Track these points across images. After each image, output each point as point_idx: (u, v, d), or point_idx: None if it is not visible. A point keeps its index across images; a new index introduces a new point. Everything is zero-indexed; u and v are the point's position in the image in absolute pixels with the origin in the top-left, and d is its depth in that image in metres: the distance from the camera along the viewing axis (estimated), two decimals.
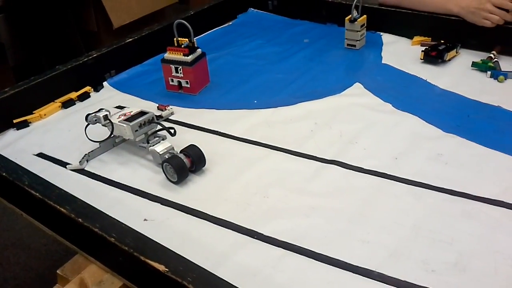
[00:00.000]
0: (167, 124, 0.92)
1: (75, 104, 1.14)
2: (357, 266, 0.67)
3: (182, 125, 1.02)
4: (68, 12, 2.14)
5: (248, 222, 0.75)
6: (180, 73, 1.11)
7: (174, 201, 0.81)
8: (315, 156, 0.89)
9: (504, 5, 1.12)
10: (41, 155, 0.96)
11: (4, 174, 0.80)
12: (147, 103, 1.11)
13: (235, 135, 0.97)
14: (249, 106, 1.07)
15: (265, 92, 1.12)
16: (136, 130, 0.88)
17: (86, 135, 0.91)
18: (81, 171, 0.90)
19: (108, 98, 1.15)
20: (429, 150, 0.88)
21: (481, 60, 1.13)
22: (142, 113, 0.90)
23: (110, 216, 0.69)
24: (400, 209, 0.76)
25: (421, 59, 1.18)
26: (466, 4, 1.16)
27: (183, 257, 0.61)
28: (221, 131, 0.99)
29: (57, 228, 0.79)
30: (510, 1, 1.12)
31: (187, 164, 0.84)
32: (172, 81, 1.14)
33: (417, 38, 1.28)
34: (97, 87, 1.19)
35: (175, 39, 1.10)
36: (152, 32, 1.31)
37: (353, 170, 0.85)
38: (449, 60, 1.18)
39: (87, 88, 1.17)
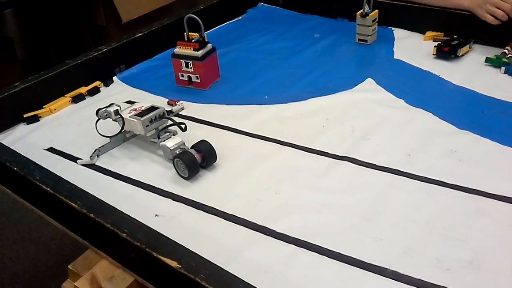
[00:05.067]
0: (177, 119, 0.92)
1: (85, 99, 1.14)
2: (370, 264, 0.66)
3: (193, 121, 1.01)
4: (77, 6, 2.14)
5: (260, 218, 0.75)
6: (190, 68, 1.11)
7: (185, 196, 0.81)
8: (327, 152, 0.88)
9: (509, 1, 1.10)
10: (51, 150, 0.96)
11: (15, 168, 0.80)
12: (157, 98, 1.11)
13: (246, 131, 0.97)
14: (259, 101, 1.06)
15: (276, 87, 1.12)
16: (147, 125, 0.87)
17: (97, 130, 0.91)
18: (92, 166, 0.90)
19: (118, 93, 1.15)
20: (442, 147, 0.87)
21: (495, 55, 1.12)
22: (153, 108, 0.90)
23: (122, 212, 0.69)
24: (413, 206, 0.75)
25: (433, 54, 1.17)
26: None
27: (195, 253, 0.61)
28: (232, 127, 0.98)
29: (68, 223, 0.78)
30: None
31: (198, 160, 0.83)
32: (182, 76, 1.13)
33: (429, 33, 1.26)
34: (107, 82, 1.19)
35: (185, 33, 1.10)
36: (162, 26, 1.31)
37: (365, 166, 0.84)
38: (462, 55, 1.16)
39: (97, 83, 1.17)
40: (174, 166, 0.85)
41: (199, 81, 1.12)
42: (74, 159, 0.92)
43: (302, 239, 0.71)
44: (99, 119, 0.90)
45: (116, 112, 0.89)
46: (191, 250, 0.61)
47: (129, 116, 0.88)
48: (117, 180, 0.86)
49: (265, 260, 0.68)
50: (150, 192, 0.82)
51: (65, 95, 1.13)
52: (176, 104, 1.06)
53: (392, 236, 0.70)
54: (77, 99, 1.12)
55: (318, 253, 0.68)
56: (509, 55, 1.11)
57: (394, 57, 1.20)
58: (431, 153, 0.86)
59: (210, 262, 0.59)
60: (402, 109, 0.99)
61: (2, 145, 0.89)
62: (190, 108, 1.06)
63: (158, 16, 2.11)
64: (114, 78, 1.21)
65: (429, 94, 1.03)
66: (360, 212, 0.75)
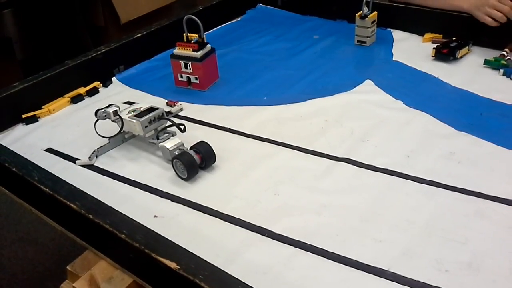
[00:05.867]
0: (176, 120, 0.91)
1: (84, 99, 1.14)
2: (369, 265, 0.66)
3: (192, 121, 1.01)
4: (76, 7, 2.14)
5: (259, 220, 0.75)
6: (190, 69, 1.10)
7: (183, 197, 0.81)
8: (326, 154, 0.88)
9: (507, 2, 1.10)
10: (50, 150, 0.96)
11: (14, 169, 0.79)
12: (156, 99, 1.11)
13: (245, 132, 0.97)
14: (258, 103, 1.06)
15: (275, 88, 1.12)
16: (146, 126, 0.87)
17: (96, 131, 0.90)
18: (91, 167, 0.90)
19: (117, 93, 1.15)
20: (441, 149, 0.87)
21: (493, 57, 1.12)
22: (152, 109, 0.90)
23: (121, 213, 0.69)
24: (412, 208, 0.75)
25: (432, 56, 1.17)
26: (474, 0, 1.15)
27: (195, 254, 0.60)
28: (231, 128, 0.98)
29: (67, 224, 0.78)
30: None
31: (197, 161, 0.83)
32: (181, 77, 1.13)
33: (428, 35, 1.27)
34: (106, 82, 1.19)
35: (184, 34, 1.10)
36: (161, 27, 1.31)
37: (364, 168, 0.84)
38: (461, 57, 1.16)
39: (96, 83, 1.17)
40: (173, 167, 0.85)
41: (198, 82, 1.12)
42: (73, 159, 0.92)
43: (301, 240, 0.70)
44: (98, 120, 0.90)
45: (115, 113, 0.89)
46: (190, 251, 0.61)
47: (128, 117, 0.88)
48: (116, 181, 0.86)
49: (264, 261, 0.68)
50: (149, 193, 0.82)
51: (64, 96, 1.12)
52: (175, 105, 1.06)
53: (391, 238, 0.70)
54: (76, 99, 1.12)
55: (317, 255, 0.68)
56: (508, 57, 1.11)
57: (393, 58, 1.21)
58: (430, 155, 0.86)
59: (209, 263, 0.59)
60: (401, 110, 0.99)
61: (1, 146, 0.89)
62: (189, 109, 1.06)
63: (157, 17, 2.11)
64: (113, 78, 1.21)
65: (428, 95, 1.04)
66: (359, 213, 0.75)
